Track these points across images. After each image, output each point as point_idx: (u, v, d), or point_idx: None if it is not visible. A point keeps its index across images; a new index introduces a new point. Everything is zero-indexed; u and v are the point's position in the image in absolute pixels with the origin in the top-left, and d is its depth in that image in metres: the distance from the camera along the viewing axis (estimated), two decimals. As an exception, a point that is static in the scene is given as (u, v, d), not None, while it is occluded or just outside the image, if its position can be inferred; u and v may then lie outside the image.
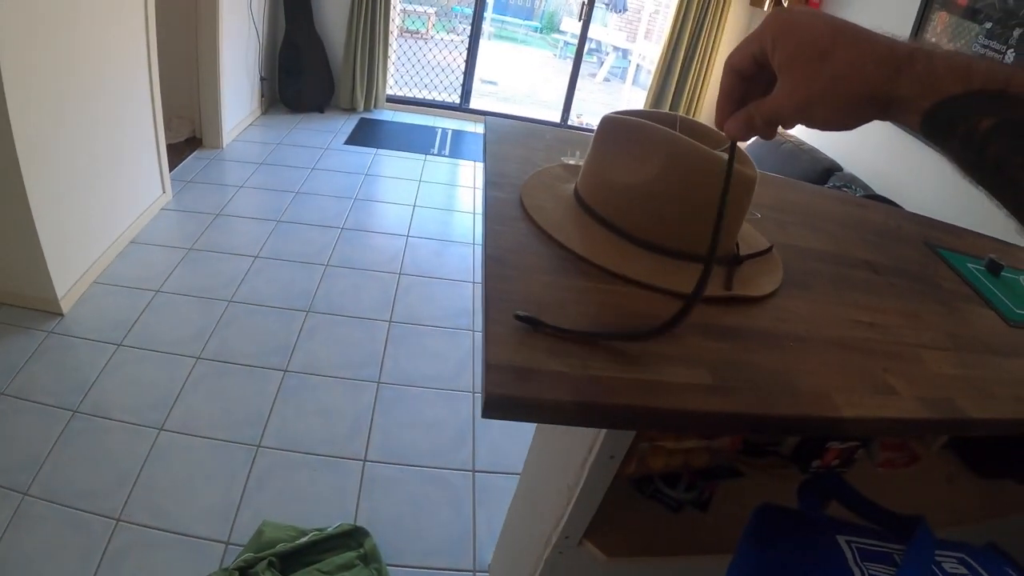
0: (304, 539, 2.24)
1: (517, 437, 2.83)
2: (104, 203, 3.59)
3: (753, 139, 0.70)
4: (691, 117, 1.03)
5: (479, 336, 3.06)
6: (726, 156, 0.87)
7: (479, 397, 2.64)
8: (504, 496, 2.51)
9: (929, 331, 1.05)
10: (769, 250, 1.10)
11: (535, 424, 1.74)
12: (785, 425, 0.85)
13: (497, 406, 0.69)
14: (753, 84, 0.68)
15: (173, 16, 4.40)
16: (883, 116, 0.58)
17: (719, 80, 0.73)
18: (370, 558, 2.26)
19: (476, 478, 2.67)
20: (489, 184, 1.10)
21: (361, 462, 2.65)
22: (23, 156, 2.80)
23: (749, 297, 0.97)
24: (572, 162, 1.21)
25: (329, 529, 2.31)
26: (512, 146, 1.31)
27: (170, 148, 4.31)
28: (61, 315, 3.22)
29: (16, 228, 2.97)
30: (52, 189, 3.06)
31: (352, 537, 2.32)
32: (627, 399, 0.73)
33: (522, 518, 1.77)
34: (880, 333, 0.99)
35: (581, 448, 1.12)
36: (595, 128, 1.04)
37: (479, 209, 4.52)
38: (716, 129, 0.97)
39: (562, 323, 0.78)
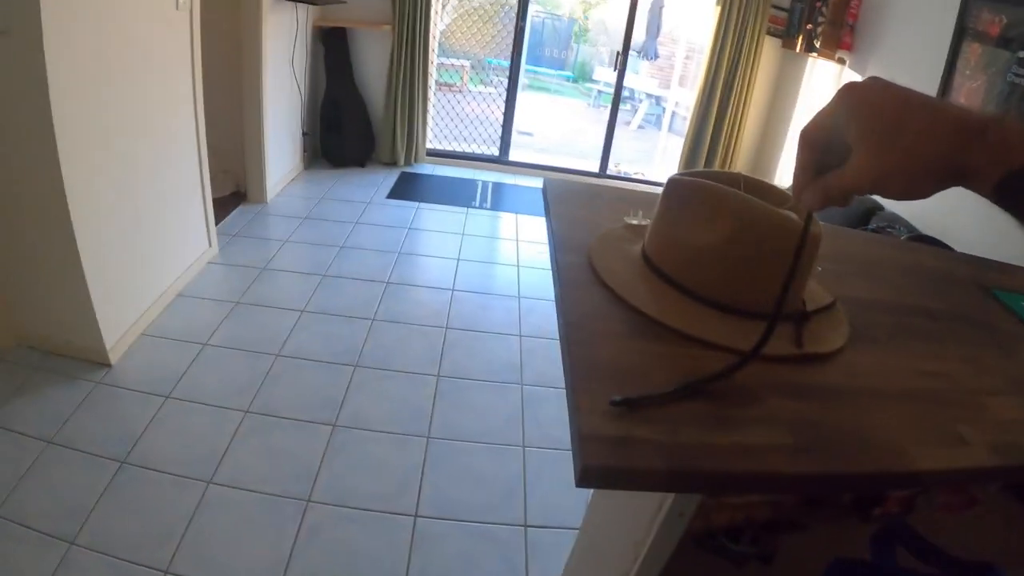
0: None
1: (569, 492, 2.79)
2: (152, 256, 3.67)
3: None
4: (752, 175, 1.04)
5: (528, 390, 3.07)
6: (792, 215, 0.88)
7: (530, 452, 2.63)
8: (557, 551, 2.49)
9: (990, 376, 1.04)
10: (833, 304, 1.10)
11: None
12: (864, 482, 0.84)
13: (594, 475, 0.69)
14: (828, 155, 0.68)
15: (218, 74, 4.49)
16: (957, 184, 0.59)
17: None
18: None
19: (528, 533, 2.63)
20: (559, 249, 1.11)
21: (412, 517, 2.63)
22: (74, 210, 2.88)
23: (820, 354, 0.97)
24: (635, 222, 1.21)
25: None
26: (573, 207, 1.31)
27: (215, 202, 4.39)
28: (109, 366, 3.26)
29: (67, 280, 3.04)
30: (102, 242, 3.13)
31: None
32: (717, 465, 0.73)
33: (582, 575, 1.75)
34: (944, 382, 0.98)
35: (649, 506, 1.10)
36: (641, 178, 1.05)
37: (523, 262, 4.57)
38: (778, 187, 0.98)
39: (647, 389, 0.79)
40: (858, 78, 3.30)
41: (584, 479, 0.69)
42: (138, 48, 3.29)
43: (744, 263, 0.95)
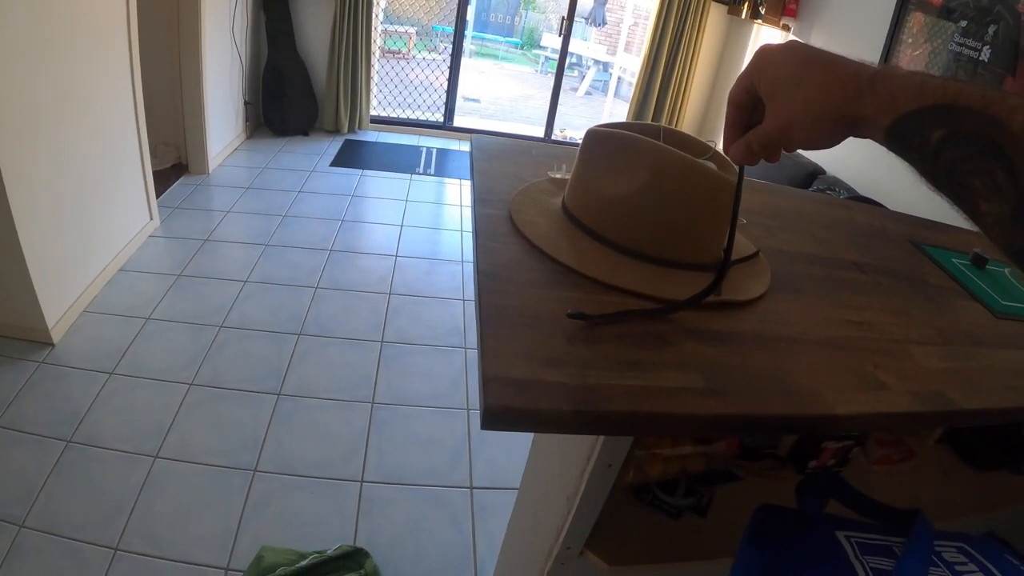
0: (304, 562, 2.22)
1: (514, 453, 2.84)
2: (92, 232, 3.60)
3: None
4: (674, 127, 1.04)
5: (471, 353, 3.09)
6: (710, 165, 0.90)
7: (475, 414, 2.65)
8: (503, 512, 2.49)
9: (917, 327, 1.06)
10: (756, 255, 1.11)
11: (531, 438, 1.75)
12: (779, 424, 0.86)
13: (497, 417, 0.70)
14: (753, 113, 0.75)
15: (155, 43, 4.41)
16: (853, 133, 0.65)
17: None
18: None
19: (475, 495, 2.66)
20: (478, 201, 1.10)
21: (358, 483, 2.65)
22: (10, 185, 2.81)
23: (738, 301, 0.98)
24: (559, 176, 1.22)
25: (329, 551, 2.29)
26: (499, 163, 1.31)
27: (156, 175, 4.31)
28: (52, 345, 3.21)
29: (5, 258, 2.97)
30: (40, 219, 3.06)
31: (352, 559, 2.31)
32: (624, 405, 0.74)
33: (521, 532, 1.76)
34: (870, 331, 1.01)
35: (579, 458, 1.12)
36: (580, 142, 1.05)
37: (467, 227, 4.58)
38: (698, 138, 0.99)
39: (556, 335, 0.80)
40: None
41: (488, 419, 0.70)
42: (70, 16, 3.20)
43: (661, 212, 0.96)
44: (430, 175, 5.79)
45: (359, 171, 5.67)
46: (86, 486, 2.54)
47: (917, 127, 0.56)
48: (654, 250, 0.97)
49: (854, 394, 0.84)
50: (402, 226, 4.77)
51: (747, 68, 0.72)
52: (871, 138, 0.63)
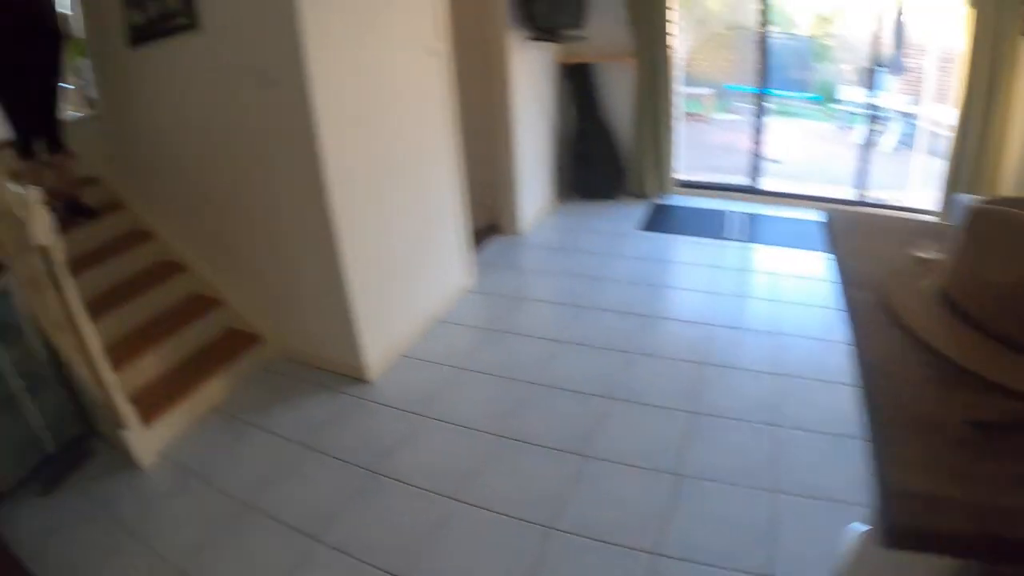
0: None
1: (821, 543, 2.51)
2: (413, 285, 3.94)
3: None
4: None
5: (782, 432, 2.91)
6: None
7: (780, 497, 2.46)
8: None
9: None
10: None
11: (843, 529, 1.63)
12: None
13: (904, 537, 0.65)
14: None
15: (471, 114, 4.74)
16: None
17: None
18: None
19: None
20: (848, 285, 1.06)
21: (651, 555, 2.55)
22: (344, 243, 3.22)
23: None
24: (927, 256, 1.15)
25: None
26: (856, 239, 1.26)
27: (472, 234, 4.62)
28: (368, 382, 3.54)
29: (335, 305, 3.37)
30: (368, 271, 3.43)
31: None
32: None
33: None
34: None
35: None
36: (897, 205, 0.98)
37: (778, 296, 4.39)
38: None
39: (955, 442, 0.74)
40: None
41: (893, 538, 0.65)
42: (396, 93, 3.58)
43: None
44: (740, 240, 5.59)
45: (667, 235, 5.67)
46: (384, 515, 2.76)
47: None
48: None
49: None
50: (712, 293, 4.67)
51: None
52: None
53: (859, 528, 1.74)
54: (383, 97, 3.46)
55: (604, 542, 2.63)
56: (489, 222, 5.55)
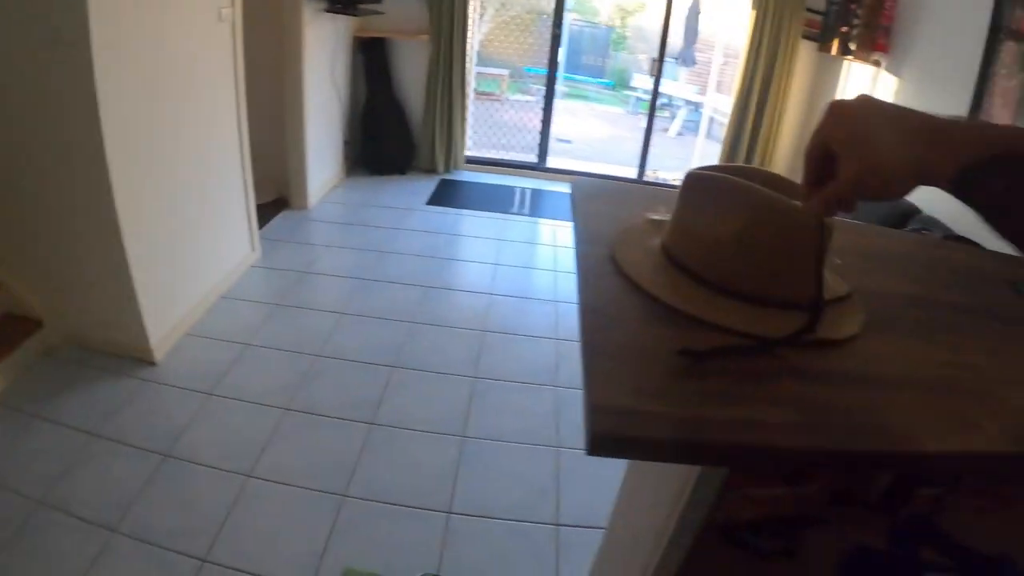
0: None
1: (602, 492, 2.76)
2: (196, 259, 3.80)
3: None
4: (768, 168, 1.08)
5: (562, 392, 3.08)
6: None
7: (564, 452, 2.65)
8: (589, 551, 2.46)
9: (1014, 369, 1.05)
10: (849, 296, 1.12)
11: (620, 477, 1.77)
12: (871, 461, 0.86)
13: (602, 444, 0.73)
14: (828, 166, 0.77)
15: (260, 84, 4.59)
16: (922, 183, 0.68)
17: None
18: None
19: (560, 532, 2.66)
20: (581, 241, 1.15)
21: (445, 514, 2.68)
22: (123, 216, 3.01)
23: (833, 340, 1.00)
24: (657, 217, 1.25)
25: None
26: (598, 204, 1.35)
27: (258, 209, 4.50)
28: (154, 364, 3.39)
29: (115, 281, 3.17)
30: (148, 246, 3.25)
31: None
32: (723, 436, 0.77)
33: (608, 570, 1.78)
34: (964, 372, 0.99)
35: (670, 496, 1.14)
36: (675, 184, 1.09)
37: (560, 267, 4.61)
38: (793, 181, 1.02)
39: (658, 369, 0.83)
40: (893, 80, 3.29)
41: (593, 447, 0.73)
42: (182, 59, 3.41)
43: (758, 253, 0.99)
44: (524, 215, 5.86)
45: (455, 210, 5.79)
46: (180, 498, 2.66)
47: (980, 177, 0.59)
48: (750, 290, 1.00)
49: (947, 434, 0.84)
50: (497, 265, 4.83)
51: (820, 124, 0.75)
52: (939, 187, 0.67)
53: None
54: (169, 62, 3.30)
55: (398, 505, 2.71)
56: (276, 196, 5.46)
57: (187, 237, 3.65)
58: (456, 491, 2.80)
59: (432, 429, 3.12)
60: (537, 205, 6.07)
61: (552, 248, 5.25)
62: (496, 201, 6.06)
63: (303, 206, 5.43)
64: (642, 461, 1.52)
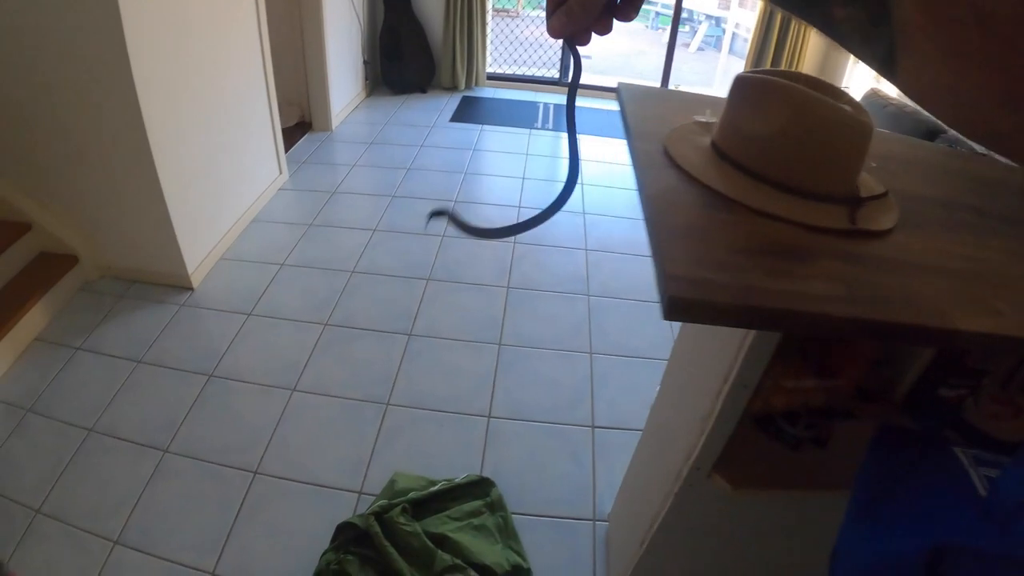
0: (434, 488, 2.36)
1: (634, 395, 2.90)
2: (227, 184, 3.83)
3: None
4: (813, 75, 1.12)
5: (593, 300, 3.16)
6: (845, 107, 0.99)
7: (597, 358, 2.72)
8: (622, 452, 2.60)
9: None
10: (885, 194, 1.17)
11: (650, 380, 1.81)
12: (908, 333, 0.90)
13: (674, 307, 0.80)
14: None
15: (280, 9, 4.62)
16: None
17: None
18: (496, 506, 2.38)
19: (595, 434, 2.74)
20: (633, 138, 1.20)
21: (485, 418, 2.77)
22: (154, 143, 3.03)
23: (871, 231, 1.05)
24: (704, 119, 1.30)
25: (457, 479, 2.42)
26: (646, 106, 1.39)
27: (282, 132, 4.52)
28: (192, 289, 3.45)
29: (150, 209, 3.21)
30: (180, 172, 3.28)
31: (479, 487, 2.43)
32: (779, 303, 0.83)
33: (649, 457, 1.86)
34: (986, 266, 1.05)
35: (715, 379, 1.22)
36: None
37: (586, 180, 4.60)
38: (835, 86, 1.08)
39: (719, 246, 0.92)
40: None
41: (670, 311, 0.80)
42: None
43: (800, 149, 1.04)
44: (547, 129, 5.81)
45: (478, 126, 5.76)
46: (228, 416, 2.74)
47: None
48: (794, 182, 1.05)
49: (974, 316, 0.90)
50: (523, 179, 4.84)
51: None
52: None
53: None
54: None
55: (440, 411, 2.80)
56: (299, 119, 5.46)
57: (217, 162, 3.68)
58: (495, 396, 2.88)
59: (469, 338, 3.19)
60: (560, 120, 6.02)
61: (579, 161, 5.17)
62: (519, 117, 6.02)
63: (326, 128, 5.44)
64: (688, 353, 1.62)
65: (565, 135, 5.63)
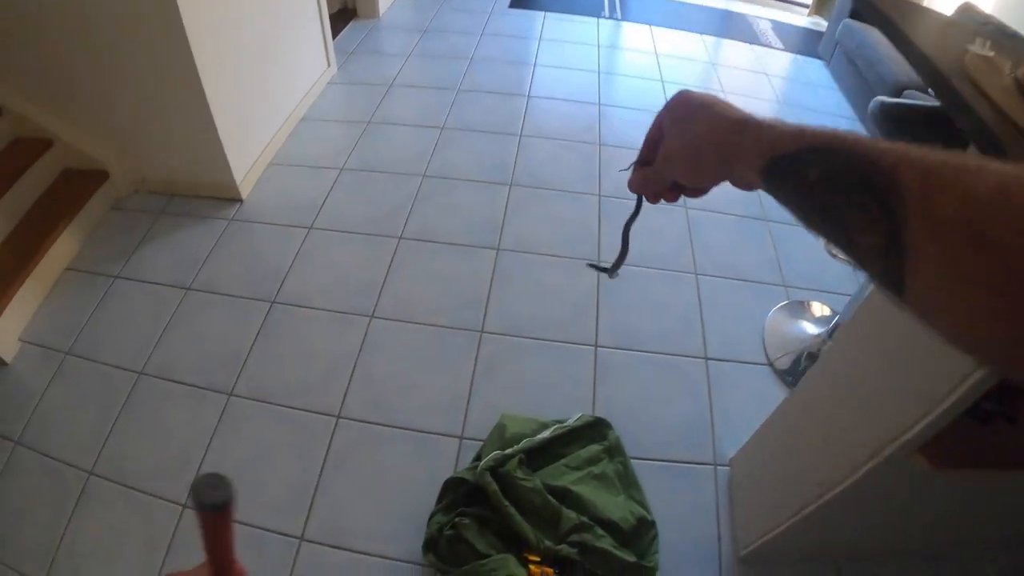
0: (546, 433, 2.09)
1: (745, 323, 2.63)
2: (273, 80, 3.39)
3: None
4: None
5: (692, 214, 3.14)
6: None
7: (701, 279, 2.83)
8: (738, 388, 2.38)
9: None
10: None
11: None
12: None
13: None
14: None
15: None
16: (731, 171, 0.65)
17: None
18: (614, 451, 2.12)
19: (709, 366, 2.44)
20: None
21: (592, 347, 2.47)
22: (197, 44, 2.60)
23: None
24: (983, 53, 1.25)
25: (570, 421, 2.15)
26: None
27: (327, 20, 4.06)
28: (240, 201, 3.07)
29: (190, 111, 2.81)
30: (222, 68, 2.85)
31: (595, 429, 2.16)
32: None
33: (814, 424, 1.68)
34: None
35: (962, 362, 1.10)
36: None
37: (665, 76, 4.15)
38: None
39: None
40: None
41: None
42: None
43: None
44: (616, 20, 5.27)
45: (540, 13, 5.21)
46: (299, 349, 2.42)
47: (793, 166, 0.56)
48: None
49: None
50: (599, 72, 4.36)
51: (661, 109, 0.74)
52: (747, 177, 0.63)
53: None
54: None
55: (541, 339, 2.49)
56: (342, 6, 4.96)
57: (261, 56, 3.22)
58: (600, 322, 2.57)
59: (565, 254, 2.85)
60: (628, 8, 5.48)
61: (652, 56, 4.70)
62: (584, 3, 5.46)
63: (373, 14, 4.93)
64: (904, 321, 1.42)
65: (636, 24, 5.15)
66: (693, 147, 0.68)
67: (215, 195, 3.07)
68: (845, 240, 0.51)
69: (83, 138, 2.96)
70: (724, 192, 2.25)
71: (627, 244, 0.89)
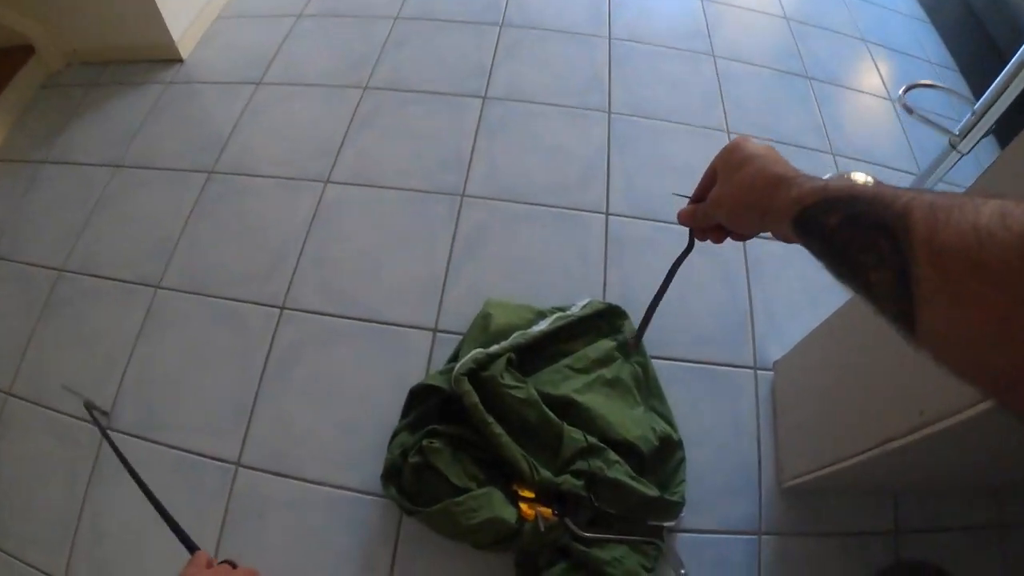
0: (544, 324, 1.70)
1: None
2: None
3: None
4: None
5: (721, 64, 2.73)
6: None
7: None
8: (776, 280, 2.04)
9: None
10: None
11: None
12: None
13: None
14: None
15: None
16: (767, 221, 0.68)
17: None
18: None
19: (748, 251, 2.08)
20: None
21: (603, 215, 2.12)
22: None
23: None
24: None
25: (574, 309, 1.76)
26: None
27: None
28: (180, 61, 2.67)
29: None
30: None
31: (607, 320, 1.78)
32: None
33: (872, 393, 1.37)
34: None
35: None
36: None
37: None
38: None
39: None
40: None
41: None
42: None
43: None
44: None
45: None
46: (235, 227, 2.11)
47: (817, 216, 0.59)
48: None
49: None
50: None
51: (718, 153, 0.76)
52: (780, 228, 0.65)
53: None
54: None
55: (540, 205, 2.14)
56: None
57: None
58: (611, 187, 2.18)
59: (568, 103, 2.42)
60: None
61: None
62: None
63: None
64: None
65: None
66: (735, 197, 0.72)
67: (152, 56, 2.68)
68: (863, 282, 0.52)
69: (0, 10, 2.59)
70: (754, 38, 1.85)
71: (670, 279, 0.91)
